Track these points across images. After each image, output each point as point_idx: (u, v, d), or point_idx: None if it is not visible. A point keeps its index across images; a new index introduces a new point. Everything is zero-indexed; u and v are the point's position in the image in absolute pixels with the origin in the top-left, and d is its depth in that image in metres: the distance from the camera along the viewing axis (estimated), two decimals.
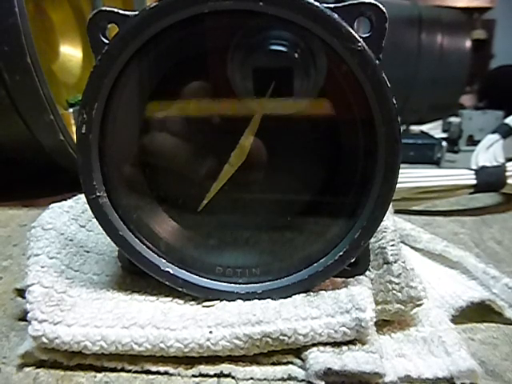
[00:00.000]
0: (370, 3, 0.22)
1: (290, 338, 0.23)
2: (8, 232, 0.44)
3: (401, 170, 0.24)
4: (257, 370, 0.23)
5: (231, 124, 0.26)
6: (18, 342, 0.25)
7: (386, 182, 0.24)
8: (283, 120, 0.25)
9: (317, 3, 0.22)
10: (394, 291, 0.25)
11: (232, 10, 0.22)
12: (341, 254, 0.25)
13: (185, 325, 0.23)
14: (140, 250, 0.26)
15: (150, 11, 0.22)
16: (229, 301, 0.25)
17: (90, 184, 0.25)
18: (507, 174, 0.50)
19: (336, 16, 0.22)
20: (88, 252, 0.30)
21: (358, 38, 0.22)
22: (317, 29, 0.22)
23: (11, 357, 0.24)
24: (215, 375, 0.23)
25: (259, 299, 0.25)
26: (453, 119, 0.92)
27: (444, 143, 0.78)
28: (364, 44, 0.22)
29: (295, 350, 0.23)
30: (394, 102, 0.22)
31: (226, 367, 0.23)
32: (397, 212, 0.43)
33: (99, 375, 0.23)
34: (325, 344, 0.23)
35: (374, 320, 0.23)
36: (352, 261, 0.25)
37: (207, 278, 0.26)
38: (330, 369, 0.21)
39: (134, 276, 0.28)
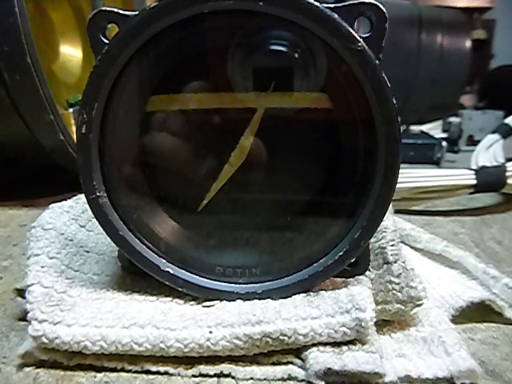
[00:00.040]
0: (369, 3, 0.22)
1: (289, 338, 0.23)
2: (8, 232, 0.44)
3: (401, 170, 0.24)
4: (257, 370, 0.23)
5: (231, 124, 0.26)
6: (18, 341, 0.25)
7: (386, 181, 0.24)
8: (283, 120, 0.25)
9: (317, 3, 0.22)
10: (394, 291, 0.25)
11: (232, 10, 0.22)
12: (341, 253, 0.25)
13: (185, 325, 0.23)
14: (140, 249, 0.26)
15: (150, 11, 0.22)
16: (229, 301, 0.25)
17: (90, 184, 0.25)
18: (507, 174, 0.50)
19: (336, 16, 0.22)
20: (88, 252, 0.30)
21: (358, 38, 0.22)
22: (317, 29, 0.22)
23: (11, 357, 0.24)
24: (215, 375, 0.23)
25: (259, 299, 0.25)
26: (453, 119, 0.92)
27: (444, 143, 0.78)
28: (364, 44, 0.22)
29: (295, 350, 0.23)
30: (394, 102, 0.22)
31: (226, 367, 0.23)
32: (397, 212, 0.43)
33: (99, 375, 0.23)
34: (325, 344, 0.23)
35: (374, 320, 0.23)
36: (352, 261, 0.25)
37: (207, 278, 0.26)
38: (330, 369, 0.21)
39: (134, 276, 0.28)
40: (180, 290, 0.26)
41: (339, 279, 0.26)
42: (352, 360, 0.22)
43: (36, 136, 0.51)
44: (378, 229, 0.25)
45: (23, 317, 0.27)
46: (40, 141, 0.52)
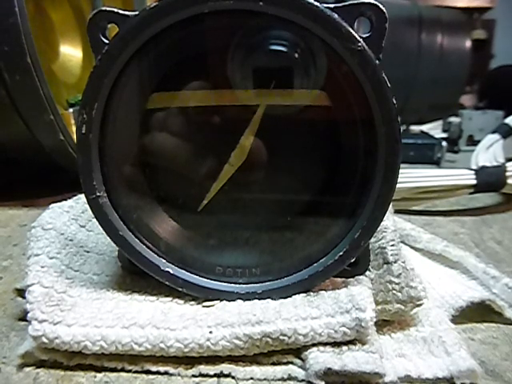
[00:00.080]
0: (369, 3, 0.22)
1: (290, 338, 0.23)
2: (8, 232, 0.44)
3: (401, 170, 0.24)
4: (257, 370, 0.23)
5: (231, 124, 0.26)
6: (18, 341, 0.25)
7: (386, 181, 0.24)
8: (283, 120, 0.25)
9: (317, 3, 0.22)
10: (394, 291, 0.25)
11: (232, 10, 0.22)
12: (341, 254, 0.25)
13: (185, 325, 0.23)
14: (140, 249, 0.26)
15: (150, 11, 0.22)
16: (229, 301, 0.25)
17: (90, 184, 0.25)
18: (507, 174, 0.50)
19: (336, 16, 0.22)
20: (88, 252, 0.30)
21: (358, 38, 0.22)
22: (317, 29, 0.22)
23: (11, 357, 0.24)
24: (215, 375, 0.23)
25: (259, 299, 0.25)
26: (453, 119, 0.92)
27: (444, 143, 0.78)
28: (364, 44, 0.22)
29: (295, 350, 0.23)
30: (394, 102, 0.22)
31: (226, 367, 0.23)
32: (397, 212, 0.43)
33: (99, 375, 0.23)
34: (325, 344, 0.23)
35: (374, 320, 0.23)
36: (352, 261, 0.25)
37: (207, 278, 0.26)
38: (330, 369, 0.21)
39: (134, 276, 0.28)
40: (180, 289, 0.26)
41: (339, 279, 0.26)
42: (352, 360, 0.22)
43: (36, 136, 0.51)
44: (378, 229, 0.25)
45: (23, 317, 0.27)
46: (40, 141, 0.52)
